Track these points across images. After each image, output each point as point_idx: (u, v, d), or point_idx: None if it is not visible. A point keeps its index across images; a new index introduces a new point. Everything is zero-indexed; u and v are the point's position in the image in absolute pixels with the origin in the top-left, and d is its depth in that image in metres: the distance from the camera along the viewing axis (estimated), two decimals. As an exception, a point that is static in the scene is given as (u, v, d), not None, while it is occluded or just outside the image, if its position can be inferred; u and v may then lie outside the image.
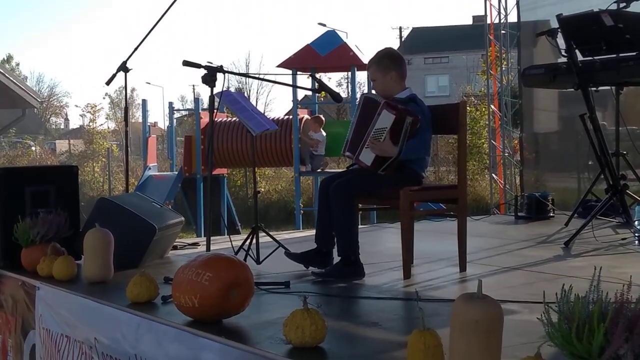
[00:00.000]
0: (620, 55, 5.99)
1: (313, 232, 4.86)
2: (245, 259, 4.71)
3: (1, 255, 5.06)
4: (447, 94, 46.66)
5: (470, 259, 4.82)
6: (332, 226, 4.61)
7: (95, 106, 31.78)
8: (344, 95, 31.83)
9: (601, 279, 2.29)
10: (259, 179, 21.94)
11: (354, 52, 13.86)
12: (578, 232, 5.70)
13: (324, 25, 22.55)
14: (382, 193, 4.66)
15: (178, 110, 30.47)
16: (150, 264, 5.09)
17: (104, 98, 59.41)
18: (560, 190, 9.83)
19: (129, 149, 6.72)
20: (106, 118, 49.29)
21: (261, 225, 5.19)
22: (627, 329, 2.06)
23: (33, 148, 34.05)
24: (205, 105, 14.11)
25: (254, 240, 5.06)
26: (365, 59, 12.76)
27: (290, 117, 14.63)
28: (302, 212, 14.32)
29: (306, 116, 14.78)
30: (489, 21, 11.69)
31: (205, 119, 14.60)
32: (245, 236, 5.21)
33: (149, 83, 69.39)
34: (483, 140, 19.57)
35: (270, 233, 5.57)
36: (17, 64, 56.50)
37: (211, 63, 4.72)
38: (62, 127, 61.19)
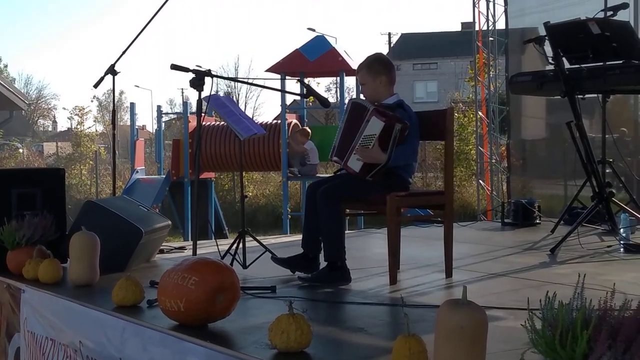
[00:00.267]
0: (607, 63, 6.02)
1: (300, 236, 4.87)
2: (231, 264, 4.72)
3: (-14, 257, 5.03)
4: (436, 99, 46.81)
5: (457, 265, 4.84)
6: (319, 231, 4.62)
7: (83, 109, 31.63)
8: (332, 100, 31.88)
9: (586, 286, 2.30)
10: (246, 183, 21.90)
11: (342, 57, 13.87)
12: (564, 239, 5.72)
13: (313, 30, 22.59)
14: (369, 198, 4.67)
15: (166, 113, 30.47)
16: (136, 267, 5.08)
17: (92, 101, 59.29)
18: (546, 197, 9.86)
19: (116, 152, 6.70)
20: (94, 121, 49.05)
21: (248, 230, 5.19)
22: (610, 336, 2.07)
23: (20, 150, 33.86)
24: (194, 109, 14.11)
25: (241, 245, 5.06)
26: (354, 64, 12.79)
27: (279, 121, 14.62)
28: (289, 216, 14.30)
29: (294, 121, 14.78)
30: (477, 28, 11.71)
31: (193, 122, 14.58)
32: (232, 240, 5.21)
33: (138, 86, 69.54)
34: (471, 147, 19.59)
35: (258, 237, 5.57)
36: (5, 66, 56.32)
37: (200, 67, 4.72)
38: (49, 129, 61.02)
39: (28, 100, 33.38)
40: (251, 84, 11.85)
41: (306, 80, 14.75)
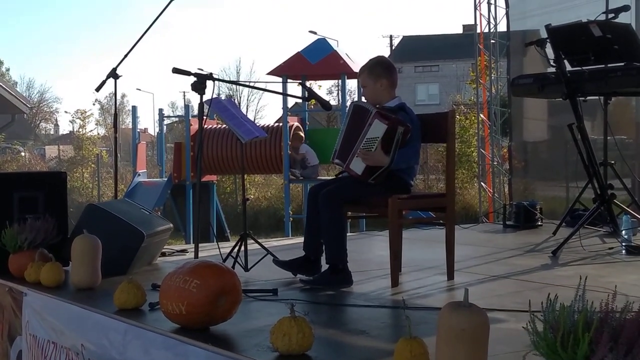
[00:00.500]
0: (609, 65, 6.02)
1: (302, 239, 4.86)
2: (233, 266, 4.72)
3: (-12, 261, 5.04)
4: (437, 102, 46.80)
5: (458, 267, 4.84)
6: (320, 234, 4.62)
7: (85, 112, 31.67)
8: (334, 103, 31.89)
9: (587, 288, 2.30)
10: (248, 186, 21.92)
11: (344, 60, 13.87)
12: (565, 241, 5.72)
13: (315, 33, 22.59)
14: (371, 201, 4.66)
15: (168, 116, 30.44)
16: (138, 270, 5.08)
17: (94, 104, 59.40)
18: (548, 199, 9.86)
19: (118, 155, 6.71)
20: (96, 124, 49.10)
21: (250, 233, 5.20)
22: (611, 338, 2.07)
23: (22, 153, 33.90)
24: (196, 112, 14.11)
25: (243, 248, 5.07)
26: (356, 67, 12.78)
27: (280, 124, 14.62)
28: (291, 219, 14.30)
29: (296, 123, 14.78)
30: (478, 30, 11.73)
31: (195, 125, 14.59)
32: (233, 243, 5.21)
33: (139, 89, 69.32)
34: (472, 149, 19.61)
35: (259, 240, 5.57)
36: (7, 70, 56.37)
37: (201, 70, 4.73)
38: (51, 132, 61.06)
39: (30, 103, 33.41)
40: (253, 87, 11.90)
41: (308, 83, 14.77)
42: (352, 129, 4.68)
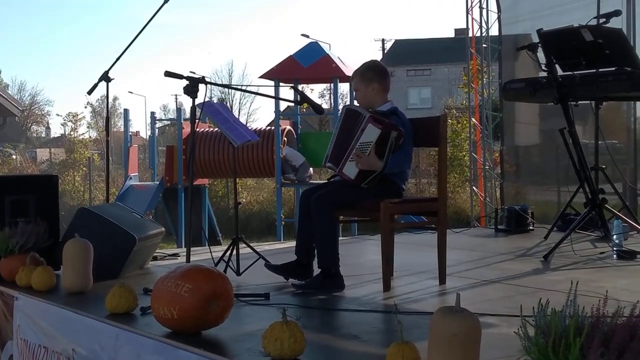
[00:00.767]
0: (600, 70, 6.05)
1: (294, 243, 4.86)
2: (225, 271, 4.72)
3: (-21, 265, 5.02)
4: (429, 106, 46.88)
5: (450, 271, 4.84)
6: (312, 238, 4.62)
7: (77, 115, 31.69)
8: (326, 106, 31.92)
9: (579, 293, 2.30)
10: (240, 189, 21.91)
11: (336, 63, 13.89)
12: (557, 245, 5.73)
13: (307, 36, 22.64)
14: (363, 205, 4.66)
15: (160, 120, 30.46)
16: (130, 274, 5.07)
17: (85, 107, 59.17)
18: (540, 203, 9.88)
19: (110, 158, 6.70)
20: (88, 127, 49.04)
21: (242, 237, 5.19)
22: (603, 343, 2.07)
23: (14, 156, 33.84)
24: (188, 115, 14.09)
25: (234, 252, 5.06)
26: (348, 70, 12.80)
27: (272, 127, 14.63)
28: (283, 223, 14.30)
29: (288, 127, 14.79)
30: (470, 34, 11.75)
31: (187, 129, 14.57)
32: (225, 247, 5.20)
33: (131, 92, 69.39)
34: (464, 153, 19.64)
35: (251, 244, 5.56)
36: (-1, 72, 56.18)
37: (193, 73, 4.72)
38: (43, 135, 60.89)
39: (21, 106, 33.33)
40: (245, 90, 11.91)
41: (300, 87, 14.78)
42: (345, 132, 4.69)
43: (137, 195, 15.46)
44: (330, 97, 41.13)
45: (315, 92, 46.88)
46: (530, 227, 7.71)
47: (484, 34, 11.46)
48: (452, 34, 50.69)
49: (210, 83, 4.79)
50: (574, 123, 6.01)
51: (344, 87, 15.28)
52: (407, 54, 51.95)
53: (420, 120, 4.87)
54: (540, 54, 6.19)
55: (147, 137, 23.14)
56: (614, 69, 5.95)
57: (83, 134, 33.40)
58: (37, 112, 59.23)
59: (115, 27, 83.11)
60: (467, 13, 11.56)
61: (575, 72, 6.13)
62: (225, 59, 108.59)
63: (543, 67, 6.04)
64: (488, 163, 11.55)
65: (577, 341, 2.09)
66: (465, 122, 18.63)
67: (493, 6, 11.24)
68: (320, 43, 14.84)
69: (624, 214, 6.33)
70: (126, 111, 17.96)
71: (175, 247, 13.82)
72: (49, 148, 39.33)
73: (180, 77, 4.48)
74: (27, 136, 54.86)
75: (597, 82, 6.01)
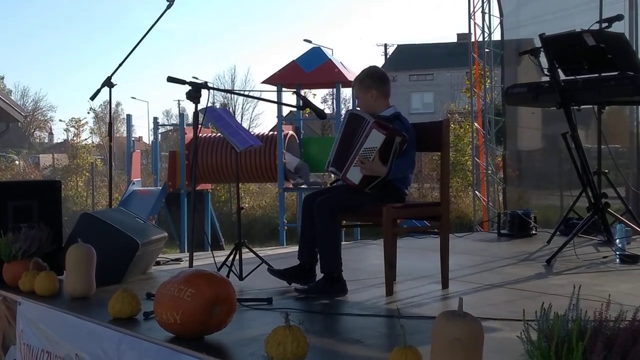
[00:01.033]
0: (602, 74, 6.04)
1: (297, 248, 4.86)
2: (228, 275, 4.71)
3: (-18, 270, 5.03)
4: (432, 111, 46.86)
5: (453, 276, 4.84)
6: (315, 242, 4.61)
7: (80, 120, 31.68)
8: (328, 111, 31.95)
9: (581, 297, 2.30)
10: (243, 194, 21.92)
11: (338, 68, 13.92)
12: (560, 250, 5.72)
13: (310, 41, 22.69)
14: (365, 210, 4.66)
15: (163, 125, 30.46)
16: (132, 279, 5.08)
17: (88, 113, 59.20)
18: (542, 208, 9.88)
19: (112, 163, 6.71)
20: (90, 132, 49.10)
21: (244, 242, 5.19)
22: (605, 347, 2.07)
23: (17, 162, 33.89)
24: (190, 121, 14.09)
25: (237, 257, 5.06)
26: (350, 75, 12.82)
27: (275, 133, 14.65)
28: (286, 228, 14.31)
29: (291, 132, 14.81)
30: (473, 39, 11.77)
31: (189, 134, 14.60)
32: (228, 252, 5.20)
33: (134, 98, 69.49)
34: (467, 158, 19.66)
35: (254, 249, 5.57)
36: (2, 78, 56.17)
37: (196, 79, 4.73)
38: (46, 141, 60.97)
39: (24, 112, 33.37)
40: (248, 96, 11.91)
41: (302, 92, 14.81)
42: (348, 137, 4.68)
43: (140, 200, 15.47)
44: (332, 102, 41.16)
45: (318, 97, 47.04)
46: (533, 232, 7.71)
47: (486, 39, 11.48)
48: (454, 39, 50.71)
49: (213, 88, 4.79)
50: (577, 127, 6.01)
51: (346, 92, 15.35)
52: (410, 58, 51.98)
53: (422, 125, 4.87)
54: (543, 59, 6.18)
55: (150, 142, 23.16)
56: (616, 73, 5.95)
57: (86, 139, 33.44)
58: (40, 117, 59.34)
59: (118, 33, 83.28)
60: (470, 18, 11.58)
61: (577, 77, 6.13)
62: (228, 64, 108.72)
63: (545, 72, 6.04)
64: (491, 168, 11.56)
65: (579, 345, 2.09)
66: (467, 126, 18.64)
67: (495, 11, 11.28)
68: (323, 48, 14.89)
69: (626, 218, 6.32)
70: (129, 117, 17.98)
71: (178, 252, 13.84)
72: (52, 153, 39.35)
73: (182, 82, 4.48)
74: (30, 142, 54.95)
75: (599, 87, 6.01)
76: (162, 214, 16.26)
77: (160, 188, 15.87)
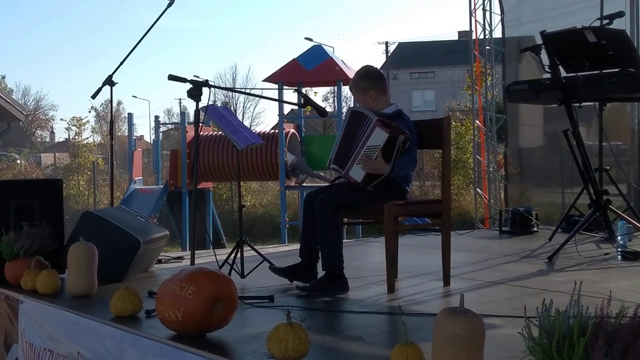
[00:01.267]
0: (603, 71, 6.04)
1: (298, 246, 4.87)
2: (229, 273, 4.72)
3: (-16, 268, 5.04)
4: (433, 108, 46.86)
5: (454, 273, 4.84)
6: (316, 240, 4.62)
7: (81, 119, 31.66)
8: (329, 109, 31.94)
9: (583, 294, 2.31)
10: (244, 192, 21.93)
11: (339, 66, 13.92)
12: (561, 247, 5.72)
13: (311, 40, 22.68)
14: (367, 207, 4.66)
15: (164, 123, 30.45)
16: (134, 277, 5.08)
17: (89, 111, 59.23)
18: (544, 205, 9.88)
19: (114, 162, 6.71)
20: (92, 131, 49.08)
21: (246, 240, 5.19)
22: (606, 343, 2.07)
23: (18, 161, 33.91)
24: (191, 119, 14.10)
25: (239, 254, 5.07)
26: (351, 73, 12.78)
27: (276, 131, 14.65)
28: (287, 226, 14.32)
29: (292, 130, 14.81)
30: (474, 37, 11.76)
31: (191, 132, 14.61)
32: (230, 250, 5.21)
33: (135, 96, 69.59)
34: (468, 155, 19.65)
35: (256, 247, 5.57)
36: (3, 77, 56.29)
37: (197, 77, 4.73)
38: (47, 140, 61.00)
39: (26, 111, 33.38)
40: (249, 94, 11.90)
41: (304, 90, 14.81)
42: (350, 134, 4.68)
43: (142, 199, 15.49)
44: (333, 100, 41.17)
45: (319, 95, 47.02)
46: (535, 229, 7.71)
47: (487, 36, 11.46)
48: (455, 37, 50.74)
49: (214, 86, 4.80)
50: (578, 124, 6.00)
51: (347, 90, 15.25)
52: (411, 56, 51.98)
53: (424, 122, 4.87)
54: (544, 56, 6.18)
55: (151, 141, 23.20)
56: (617, 70, 5.94)
57: (87, 138, 33.41)
58: (41, 116, 59.38)
59: (119, 31, 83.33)
60: (471, 15, 11.57)
61: (578, 74, 6.12)
62: (229, 62, 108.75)
63: (546, 69, 6.04)
64: (492, 165, 11.55)
65: (581, 341, 2.09)
66: (469, 124, 18.63)
67: (496, 8, 11.25)
68: (324, 46, 14.88)
69: (628, 215, 6.32)
70: (130, 115, 17.99)
71: (179, 250, 13.85)
72: (54, 152, 39.37)
73: (184, 80, 4.49)
74: (31, 141, 55.00)
75: (600, 84, 6.01)
76: (163, 212, 16.28)
77: (162, 186, 15.88)
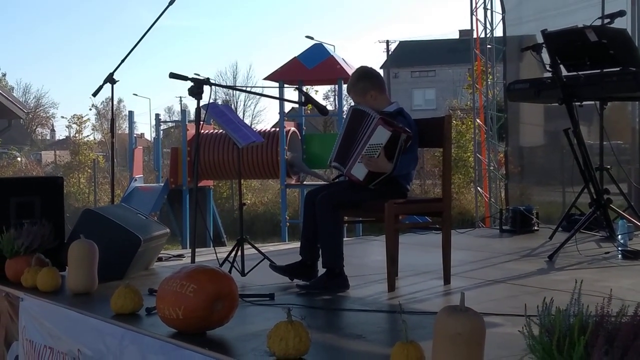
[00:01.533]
0: (604, 70, 6.03)
1: (299, 244, 4.87)
2: (230, 271, 4.73)
3: (-15, 266, 5.04)
4: (434, 107, 46.89)
5: (455, 271, 4.84)
6: (317, 238, 4.62)
7: (82, 117, 31.77)
8: (330, 108, 31.93)
9: (583, 293, 2.31)
10: (245, 190, 21.93)
11: (340, 65, 13.92)
12: (562, 245, 5.72)
13: (312, 38, 22.68)
14: (367, 205, 4.66)
15: (165, 121, 30.50)
16: (135, 275, 5.08)
17: (90, 109, 59.28)
18: (544, 204, 9.88)
19: (114, 160, 6.71)
20: (92, 129, 49.16)
21: (246, 237, 5.19)
22: (607, 341, 2.07)
23: (19, 159, 33.93)
24: (192, 117, 14.11)
25: (239, 252, 5.07)
26: (352, 72, 12.81)
27: (277, 129, 14.65)
28: (288, 224, 14.32)
29: (293, 129, 14.81)
30: (475, 36, 11.76)
31: (191, 130, 14.61)
32: (230, 248, 5.21)
33: (136, 94, 69.55)
34: (469, 154, 19.64)
35: (256, 245, 5.57)
36: (4, 74, 56.25)
37: (198, 75, 4.73)
38: (48, 138, 61.02)
39: (26, 108, 33.40)
40: (250, 92, 11.91)
41: (304, 88, 14.80)
42: (351, 133, 4.67)
43: (142, 196, 15.50)
44: (334, 99, 41.18)
45: (320, 93, 47.00)
46: (535, 228, 7.70)
47: (488, 35, 11.47)
48: (456, 35, 50.72)
49: (215, 84, 4.80)
50: (579, 123, 6.00)
51: (348, 89, 15.28)
52: (412, 55, 51.96)
53: (424, 121, 4.87)
54: (545, 55, 6.17)
55: (152, 139, 23.21)
56: (618, 69, 5.94)
57: (88, 136, 33.53)
58: (42, 114, 59.37)
59: (120, 29, 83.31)
60: (472, 14, 11.57)
61: (579, 73, 6.11)
62: (230, 60, 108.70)
63: (547, 68, 6.03)
64: (493, 164, 11.55)
65: (581, 339, 2.09)
66: (469, 123, 18.62)
67: (497, 7, 11.26)
68: (325, 45, 14.88)
69: (629, 214, 6.32)
70: (131, 113, 17.99)
71: (180, 248, 13.86)
72: (54, 150, 39.42)
73: (184, 78, 4.49)
74: (32, 138, 55.02)
75: (601, 83, 6.00)
76: (164, 210, 16.28)
77: (162, 184, 15.88)
